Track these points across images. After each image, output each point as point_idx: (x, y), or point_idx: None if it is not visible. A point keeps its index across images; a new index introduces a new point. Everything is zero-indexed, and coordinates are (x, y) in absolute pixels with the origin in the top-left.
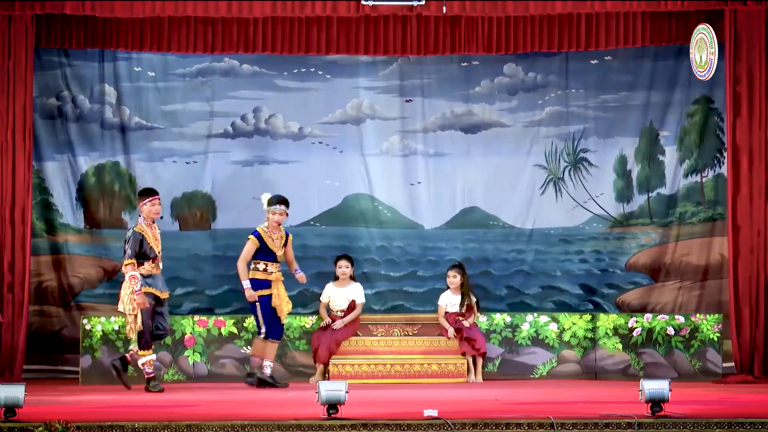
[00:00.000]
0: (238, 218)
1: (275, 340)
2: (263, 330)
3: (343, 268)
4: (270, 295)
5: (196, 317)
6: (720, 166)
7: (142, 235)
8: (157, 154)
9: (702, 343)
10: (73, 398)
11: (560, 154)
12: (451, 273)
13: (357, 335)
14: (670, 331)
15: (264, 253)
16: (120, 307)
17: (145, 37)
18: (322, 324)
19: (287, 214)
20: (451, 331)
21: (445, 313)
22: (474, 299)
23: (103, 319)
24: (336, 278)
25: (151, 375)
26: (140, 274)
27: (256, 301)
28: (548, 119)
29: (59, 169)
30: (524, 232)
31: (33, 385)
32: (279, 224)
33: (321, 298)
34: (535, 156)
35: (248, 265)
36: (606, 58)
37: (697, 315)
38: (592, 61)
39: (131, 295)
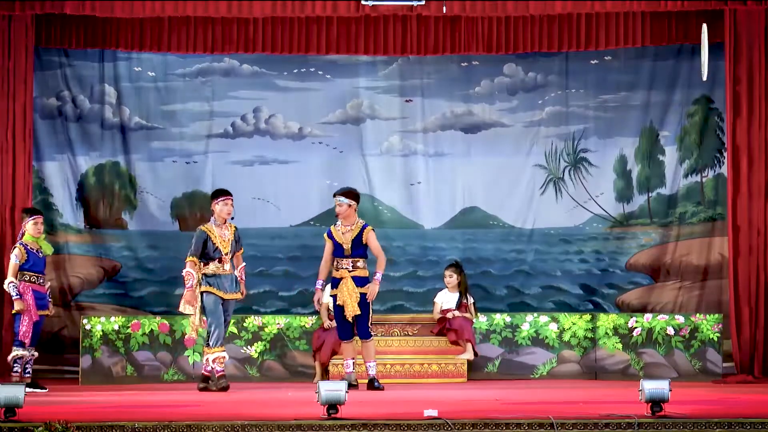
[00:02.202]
0: (238, 218)
1: (342, 340)
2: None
3: None
4: (336, 295)
5: None
6: (720, 166)
7: (207, 234)
8: (157, 154)
9: (702, 343)
10: (73, 398)
11: (560, 154)
12: (447, 272)
13: (356, 335)
14: (670, 331)
15: (336, 249)
16: (180, 308)
17: (145, 37)
18: (325, 325)
19: (348, 205)
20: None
21: (441, 310)
22: (471, 299)
23: (103, 319)
24: None
25: (221, 372)
26: (203, 274)
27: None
28: (548, 119)
29: (59, 169)
30: (524, 232)
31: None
32: (339, 215)
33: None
34: (535, 156)
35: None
36: (606, 58)
37: (697, 315)
38: (592, 61)
39: (192, 296)
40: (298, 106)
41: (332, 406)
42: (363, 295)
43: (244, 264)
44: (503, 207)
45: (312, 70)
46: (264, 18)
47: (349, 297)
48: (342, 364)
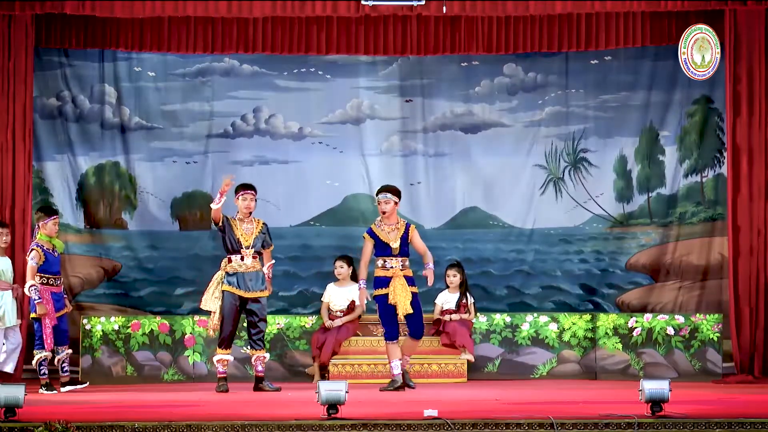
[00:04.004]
0: None
1: (389, 341)
2: (384, 331)
3: (338, 268)
4: (387, 294)
5: (196, 317)
6: (720, 166)
7: (230, 223)
8: (157, 154)
9: (702, 343)
10: (73, 398)
11: (560, 154)
12: (450, 272)
13: (357, 335)
14: (670, 331)
15: (380, 248)
16: (202, 305)
17: (145, 37)
18: (326, 324)
19: (395, 203)
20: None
21: (442, 311)
22: (471, 299)
23: (103, 319)
24: (337, 279)
25: (222, 374)
26: (225, 272)
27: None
28: (548, 119)
29: (59, 169)
30: (524, 232)
31: (33, 385)
32: (384, 213)
33: (322, 299)
34: (535, 156)
35: (372, 264)
36: (606, 58)
37: (697, 315)
38: (592, 61)
39: (213, 294)
40: (298, 106)
41: (332, 406)
42: (415, 295)
43: (273, 262)
44: (503, 207)
45: (312, 70)
46: (264, 18)
47: (404, 296)
48: (340, 364)
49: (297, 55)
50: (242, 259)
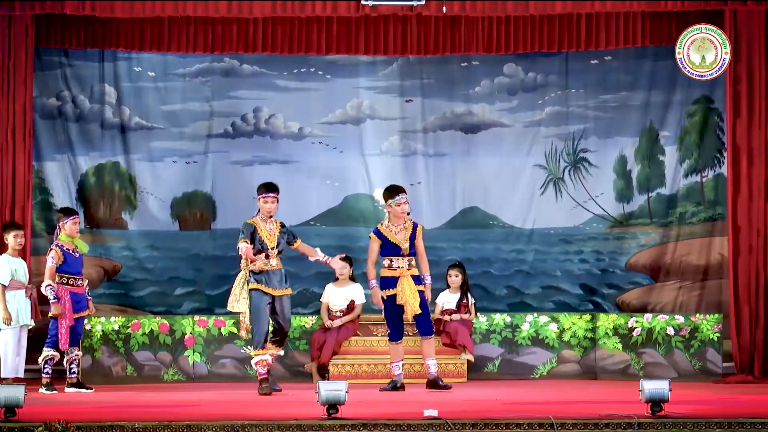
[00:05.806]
0: (238, 218)
1: (393, 341)
2: (389, 331)
3: (342, 269)
4: (394, 295)
5: (196, 317)
6: (720, 166)
7: (254, 226)
8: (157, 154)
9: (702, 343)
10: (73, 398)
11: (560, 154)
12: (452, 272)
13: (357, 335)
14: (670, 331)
15: (388, 248)
16: (229, 306)
17: (145, 37)
18: (326, 324)
19: (407, 202)
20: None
21: (442, 310)
22: (471, 299)
23: (103, 319)
24: (336, 278)
25: (264, 376)
26: (251, 271)
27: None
28: (548, 119)
29: (59, 169)
30: (524, 232)
31: (33, 385)
32: (397, 215)
33: (321, 299)
34: (535, 156)
35: (380, 264)
36: (606, 58)
37: (697, 315)
38: (592, 61)
39: (241, 294)
40: (298, 106)
41: (332, 406)
42: (422, 293)
43: (317, 248)
44: (503, 207)
45: (312, 70)
46: (264, 18)
47: (412, 296)
48: (340, 364)
49: (297, 55)
50: (267, 257)
